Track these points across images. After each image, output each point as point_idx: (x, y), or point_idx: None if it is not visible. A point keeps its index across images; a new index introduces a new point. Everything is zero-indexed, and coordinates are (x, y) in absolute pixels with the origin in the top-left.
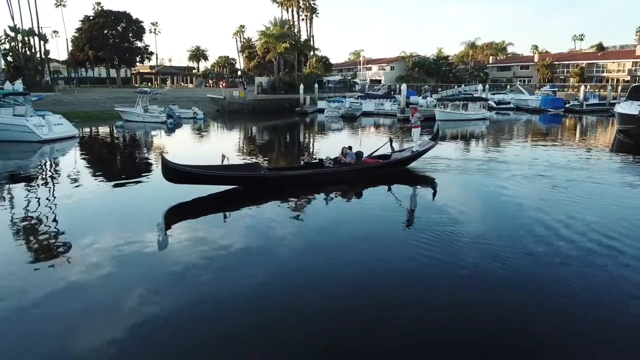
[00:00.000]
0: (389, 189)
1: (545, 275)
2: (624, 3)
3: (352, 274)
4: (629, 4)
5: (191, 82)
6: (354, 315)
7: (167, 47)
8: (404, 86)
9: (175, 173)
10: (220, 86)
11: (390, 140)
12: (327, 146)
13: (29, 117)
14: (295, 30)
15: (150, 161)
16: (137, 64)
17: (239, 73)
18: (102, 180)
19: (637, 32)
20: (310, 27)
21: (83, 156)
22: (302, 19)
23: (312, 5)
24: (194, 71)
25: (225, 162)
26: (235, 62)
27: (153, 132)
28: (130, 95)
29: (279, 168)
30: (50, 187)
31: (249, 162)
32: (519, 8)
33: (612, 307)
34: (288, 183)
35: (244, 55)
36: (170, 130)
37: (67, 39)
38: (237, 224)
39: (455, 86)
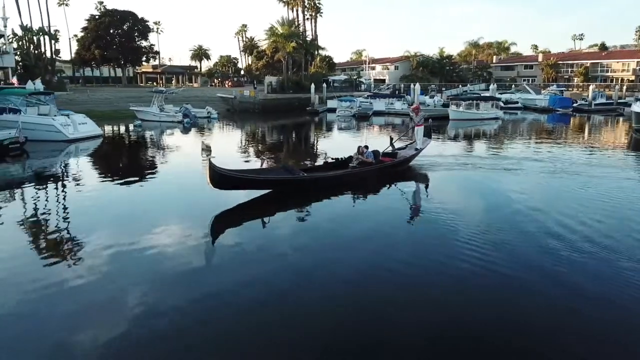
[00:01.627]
0: (426, 186)
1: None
2: (624, 3)
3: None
4: (629, 4)
5: (195, 82)
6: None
7: (167, 47)
8: (417, 86)
9: (223, 179)
10: (226, 85)
11: (391, 139)
12: (345, 145)
13: (54, 116)
14: (301, 29)
15: (176, 161)
16: (143, 63)
17: (242, 72)
18: (135, 180)
19: (636, 31)
20: (314, 26)
21: (110, 155)
22: (307, 19)
23: (317, 4)
24: (196, 70)
25: (265, 166)
26: (238, 62)
27: (171, 132)
28: (142, 94)
29: (311, 169)
30: (84, 187)
31: (285, 164)
32: (519, 8)
33: None
34: (322, 184)
35: (252, 54)
36: (187, 130)
37: (69, 38)
38: (281, 229)
39: (460, 85)
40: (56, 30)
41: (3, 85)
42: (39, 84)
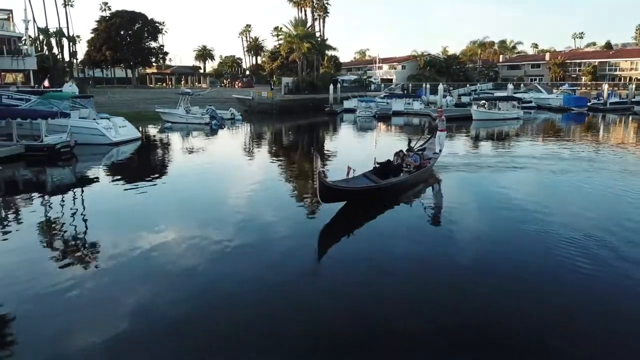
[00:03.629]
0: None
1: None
2: (623, 1)
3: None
4: (628, 2)
5: (204, 82)
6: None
7: (170, 47)
8: (440, 86)
9: (332, 192)
10: (236, 86)
11: (409, 141)
12: (382, 147)
13: (95, 119)
14: (309, 26)
15: (221, 163)
16: (154, 64)
17: (247, 72)
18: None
19: (637, 30)
20: (323, 26)
21: (155, 158)
22: (315, 19)
23: (325, 4)
24: (200, 71)
25: (351, 174)
26: (242, 62)
27: (198, 134)
28: (157, 95)
29: (376, 174)
30: (137, 189)
31: (365, 173)
32: (518, 6)
33: None
34: (397, 190)
35: (259, 55)
36: (214, 132)
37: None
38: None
39: (468, 85)
40: (77, 36)
41: (46, 89)
42: (74, 87)
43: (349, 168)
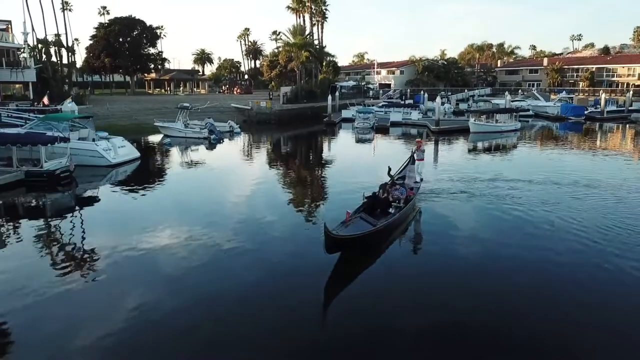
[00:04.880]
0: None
1: None
2: (620, 1)
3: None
4: (626, 2)
5: (203, 88)
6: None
7: (168, 50)
8: (438, 99)
9: (338, 243)
10: (235, 92)
11: (389, 170)
12: (380, 161)
13: (94, 140)
14: (310, 37)
15: (221, 183)
16: (152, 71)
17: (246, 77)
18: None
19: (634, 31)
20: (321, 32)
21: (154, 179)
22: (314, 24)
23: (323, 10)
24: (199, 75)
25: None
26: (240, 65)
27: (200, 149)
28: (158, 106)
29: (366, 211)
30: (138, 212)
31: (362, 215)
32: (517, 7)
33: None
34: (391, 230)
35: (257, 59)
36: (213, 146)
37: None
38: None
39: (466, 90)
40: (75, 39)
41: (45, 107)
42: (73, 105)
43: (348, 213)
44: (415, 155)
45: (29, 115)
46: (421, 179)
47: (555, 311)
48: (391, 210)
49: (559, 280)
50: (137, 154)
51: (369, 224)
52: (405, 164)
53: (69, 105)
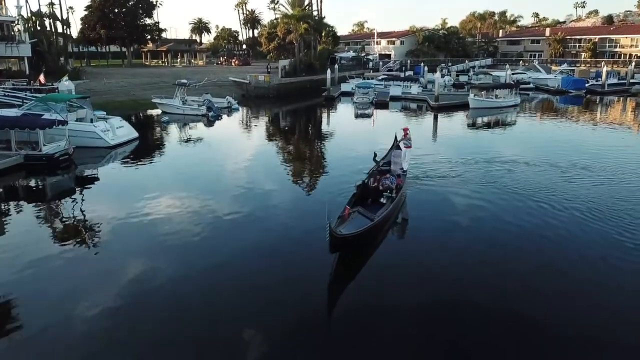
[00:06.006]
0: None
1: None
2: None
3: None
4: None
5: (201, 59)
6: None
7: (165, 20)
8: (437, 74)
9: (343, 242)
10: (233, 64)
11: (375, 155)
12: (380, 137)
13: (92, 120)
14: (308, 6)
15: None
16: (149, 42)
17: (244, 47)
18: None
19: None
20: (320, 2)
21: (156, 162)
22: None
23: None
24: (196, 46)
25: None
26: (238, 35)
27: (198, 126)
28: (155, 80)
29: (358, 202)
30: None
31: (359, 209)
32: None
33: None
34: (388, 221)
35: (264, 35)
36: (211, 123)
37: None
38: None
39: (466, 61)
40: (70, 7)
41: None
42: (70, 84)
43: (347, 209)
44: (401, 144)
45: (25, 95)
46: (406, 170)
47: (550, 289)
48: (383, 200)
49: (554, 258)
50: (136, 134)
51: (367, 218)
52: (390, 149)
53: (65, 84)
